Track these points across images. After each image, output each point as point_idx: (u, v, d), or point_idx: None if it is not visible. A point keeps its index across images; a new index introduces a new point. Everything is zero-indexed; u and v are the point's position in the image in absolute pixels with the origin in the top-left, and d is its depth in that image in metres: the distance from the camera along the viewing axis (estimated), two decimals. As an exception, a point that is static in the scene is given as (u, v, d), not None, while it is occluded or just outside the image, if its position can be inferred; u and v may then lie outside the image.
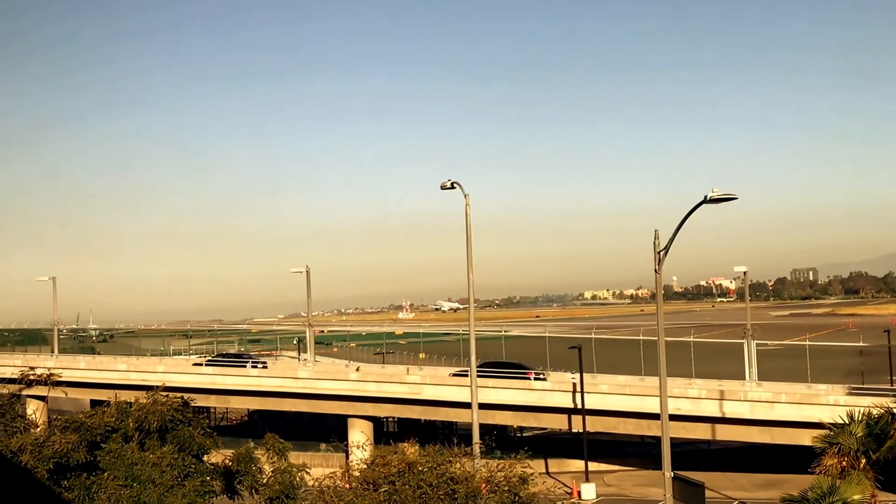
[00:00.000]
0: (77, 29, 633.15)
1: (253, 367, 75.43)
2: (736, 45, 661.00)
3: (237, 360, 79.10)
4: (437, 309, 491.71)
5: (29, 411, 44.72)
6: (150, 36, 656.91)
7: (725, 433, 56.66)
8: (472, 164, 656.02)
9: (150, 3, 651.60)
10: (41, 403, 62.60)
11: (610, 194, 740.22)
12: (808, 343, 68.28)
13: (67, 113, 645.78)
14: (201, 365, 77.61)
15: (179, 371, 75.23)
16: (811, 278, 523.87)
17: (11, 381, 32.07)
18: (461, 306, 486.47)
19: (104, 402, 31.29)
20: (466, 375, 60.20)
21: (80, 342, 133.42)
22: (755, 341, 67.70)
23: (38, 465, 22.64)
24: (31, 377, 31.41)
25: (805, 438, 52.99)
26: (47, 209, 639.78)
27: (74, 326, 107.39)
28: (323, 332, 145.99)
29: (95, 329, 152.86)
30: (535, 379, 62.97)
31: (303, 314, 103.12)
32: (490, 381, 60.43)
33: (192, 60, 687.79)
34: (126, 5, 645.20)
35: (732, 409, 54.80)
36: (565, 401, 59.58)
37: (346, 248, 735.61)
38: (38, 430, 27.73)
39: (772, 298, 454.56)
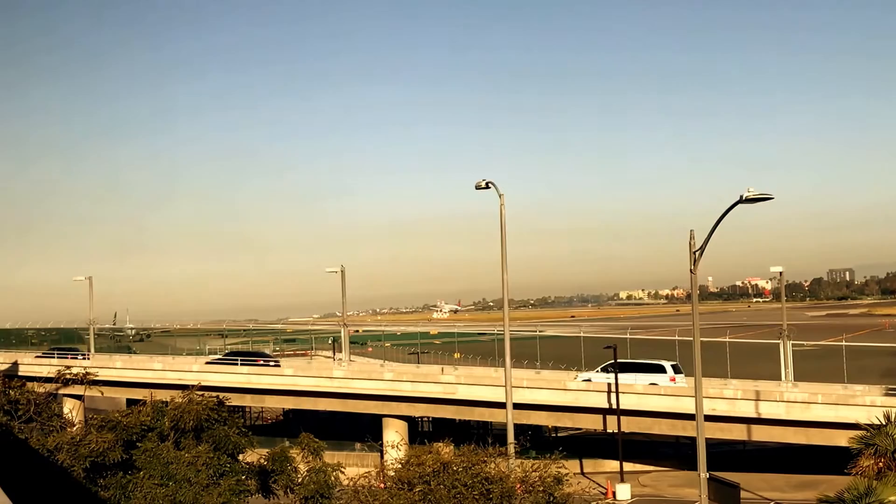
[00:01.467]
0: (113, 30, 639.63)
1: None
2: (769, 46, 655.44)
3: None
4: (435, 308, 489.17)
5: (65, 410, 45.20)
6: (185, 38, 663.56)
7: (761, 434, 56.13)
8: (507, 165, 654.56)
9: (191, 6, 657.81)
10: (77, 402, 63.09)
11: (646, 194, 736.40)
12: (844, 343, 67.37)
13: (104, 113, 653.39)
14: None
15: (215, 370, 75.59)
16: (847, 278, 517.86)
17: (48, 379, 32.45)
18: (460, 308, 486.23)
19: (140, 401, 31.54)
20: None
21: (117, 341, 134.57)
22: (791, 342, 66.96)
23: (75, 463, 22.82)
24: (68, 376, 31.76)
25: (841, 439, 52.39)
26: (84, 210, 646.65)
27: (109, 326, 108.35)
28: (358, 331, 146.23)
29: (132, 328, 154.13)
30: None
31: (337, 314, 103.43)
32: (525, 381, 60.36)
33: (230, 65, 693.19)
34: (179, 13, 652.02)
35: (768, 410, 54.27)
36: (600, 401, 59.26)
37: (382, 247, 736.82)
38: (75, 428, 27.98)
39: (808, 299, 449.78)
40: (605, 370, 60.39)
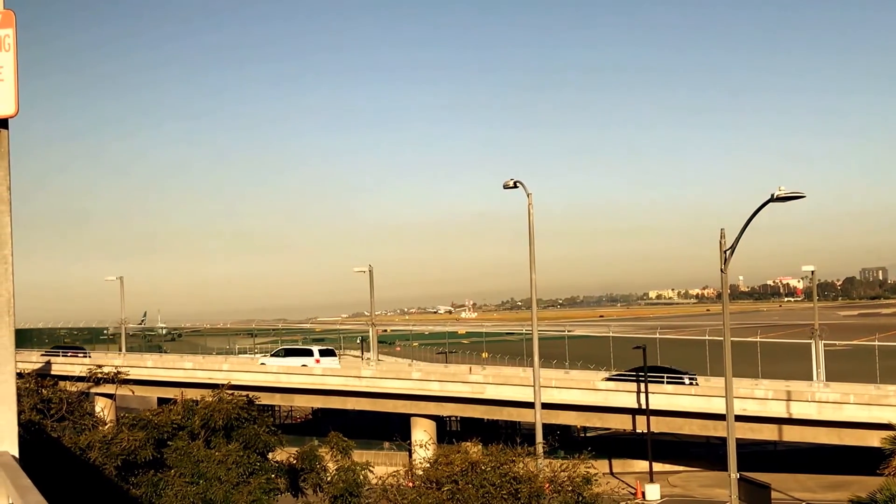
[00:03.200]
0: (146, 29, 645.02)
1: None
2: (801, 45, 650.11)
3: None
4: (434, 311, 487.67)
5: (97, 409, 45.49)
6: (220, 36, 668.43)
7: (792, 434, 55.70)
8: (536, 165, 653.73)
9: (230, 4, 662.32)
10: (109, 401, 63.59)
11: (676, 193, 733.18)
12: (877, 343, 66.70)
13: (135, 113, 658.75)
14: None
15: (244, 369, 75.97)
16: (881, 277, 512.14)
17: (80, 378, 32.68)
18: (453, 309, 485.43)
19: (171, 399, 31.74)
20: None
21: (148, 341, 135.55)
22: (823, 341, 66.35)
23: (107, 461, 22.95)
24: (99, 375, 31.97)
25: (874, 440, 51.89)
26: (116, 210, 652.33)
27: (136, 325, 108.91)
28: (386, 331, 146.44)
29: (163, 328, 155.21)
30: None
31: (366, 314, 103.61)
32: (553, 381, 60.24)
33: (258, 59, 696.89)
34: (206, 6, 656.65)
35: (799, 410, 53.84)
36: (629, 401, 59.01)
37: (410, 248, 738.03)
38: (107, 427, 28.12)
39: (840, 298, 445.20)
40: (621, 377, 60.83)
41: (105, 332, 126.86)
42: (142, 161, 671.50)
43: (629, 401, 59.05)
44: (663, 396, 57.65)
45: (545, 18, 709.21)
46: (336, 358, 78.23)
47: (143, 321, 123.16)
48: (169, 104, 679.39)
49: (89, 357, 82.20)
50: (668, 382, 59.61)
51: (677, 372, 62.40)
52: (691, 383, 60.43)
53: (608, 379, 62.60)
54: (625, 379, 60.96)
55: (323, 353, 76.75)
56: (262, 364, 75.55)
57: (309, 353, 75.82)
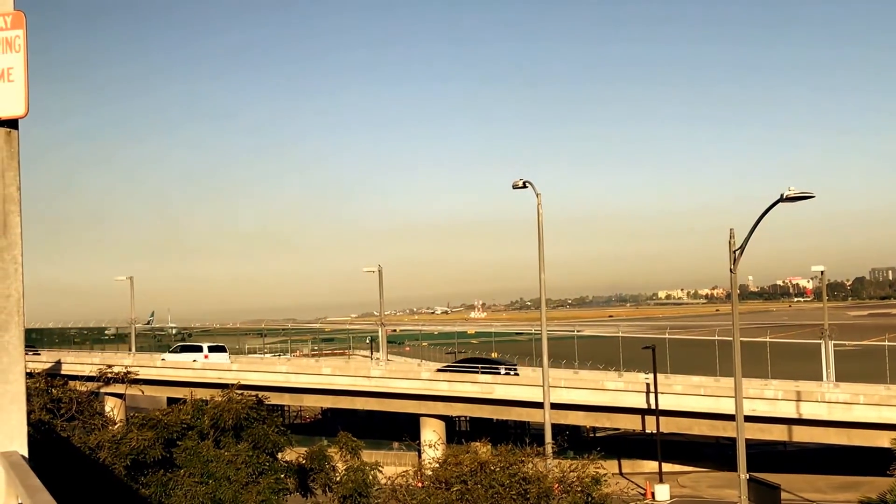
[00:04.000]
0: (157, 32, 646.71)
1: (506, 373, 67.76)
2: (811, 44, 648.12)
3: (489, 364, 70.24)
4: (431, 312, 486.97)
5: (107, 408, 45.50)
6: (228, 39, 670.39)
7: (802, 434, 55.58)
8: (545, 165, 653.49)
9: (236, 7, 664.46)
10: (119, 401, 63.68)
11: (684, 193, 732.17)
12: (887, 343, 66.48)
13: (146, 115, 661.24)
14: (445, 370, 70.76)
15: (254, 369, 76.13)
16: (890, 277, 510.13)
17: (90, 378, 32.76)
18: (450, 310, 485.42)
19: (180, 399, 31.77)
20: (451, 371, 68.00)
21: (158, 340, 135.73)
22: (833, 342, 66.16)
23: (116, 461, 22.99)
24: (109, 375, 32.06)
25: (884, 440, 51.76)
26: (127, 211, 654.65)
27: (143, 325, 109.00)
28: (395, 331, 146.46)
29: (173, 327, 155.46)
30: (507, 374, 66.55)
31: (375, 313, 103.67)
32: (562, 381, 60.18)
33: (268, 64, 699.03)
34: (213, 10, 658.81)
35: (809, 411, 53.73)
36: (639, 401, 58.95)
37: (419, 248, 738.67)
38: (116, 427, 28.20)
39: (850, 298, 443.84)
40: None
41: (105, 332, 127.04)
42: (152, 162, 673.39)
43: (638, 401, 59.00)
44: (672, 396, 57.59)
45: (554, 18, 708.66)
46: (226, 353, 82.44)
47: (150, 321, 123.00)
48: (180, 107, 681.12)
49: (39, 355, 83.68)
50: (482, 372, 65.87)
51: (497, 363, 70.30)
52: (507, 373, 66.41)
53: (439, 370, 68.74)
54: (453, 370, 68.46)
55: (212, 350, 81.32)
56: (163, 360, 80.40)
57: (199, 350, 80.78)
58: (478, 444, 30.07)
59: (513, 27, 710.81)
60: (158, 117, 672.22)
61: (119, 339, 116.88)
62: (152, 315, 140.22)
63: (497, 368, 67.32)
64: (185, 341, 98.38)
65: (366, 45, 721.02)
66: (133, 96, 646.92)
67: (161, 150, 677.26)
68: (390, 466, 34.87)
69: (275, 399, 56.86)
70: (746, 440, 37.29)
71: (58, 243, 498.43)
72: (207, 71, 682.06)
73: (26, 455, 8.20)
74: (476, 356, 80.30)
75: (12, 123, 8.62)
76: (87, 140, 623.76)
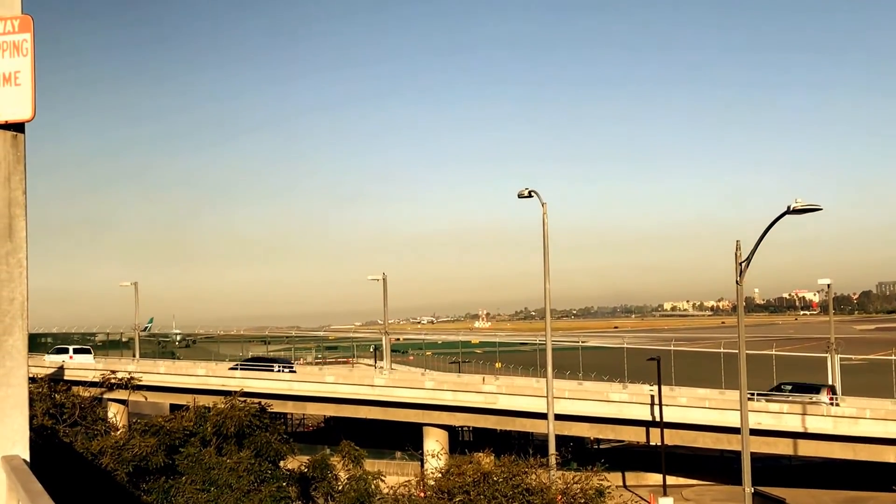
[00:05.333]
0: (161, 35, 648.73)
1: (280, 371, 77.09)
2: (819, 53, 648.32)
3: (266, 363, 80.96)
4: (416, 322, 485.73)
5: (110, 414, 45.50)
6: (234, 43, 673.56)
7: (807, 448, 55.31)
8: (551, 175, 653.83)
9: (240, 12, 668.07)
10: (122, 407, 63.71)
11: (690, 204, 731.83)
12: (894, 358, 66.27)
13: (153, 118, 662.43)
14: (233, 369, 79.45)
15: (257, 377, 76.02)
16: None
17: (93, 384, 32.76)
18: (435, 319, 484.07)
19: (183, 406, 31.78)
20: (242, 368, 76.49)
21: (162, 347, 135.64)
22: (839, 355, 65.95)
23: (119, 467, 22.98)
24: (112, 381, 32.06)
25: (889, 455, 51.65)
26: (133, 216, 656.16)
27: (142, 333, 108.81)
28: (399, 340, 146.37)
29: (178, 334, 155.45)
30: (280, 371, 75.42)
31: (379, 322, 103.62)
32: (566, 392, 60.00)
33: (274, 71, 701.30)
34: (225, 22, 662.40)
35: (815, 424, 53.51)
36: (643, 413, 58.77)
37: (424, 257, 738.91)
38: (119, 433, 28.21)
39: (856, 312, 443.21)
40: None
41: (87, 338, 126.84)
42: (159, 168, 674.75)
43: (643, 413, 58.82)
44: (677, 409, 57.39)
45: (558, 28, 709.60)
46: (90, 355, 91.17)
47: (147, 328, 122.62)
48: (186, 111, 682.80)
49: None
50: (258, 369, 74.73)
51: (274, 361, 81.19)
52: (281, 370, 75.08)
53: (231, 368, 75.54)
54: (243, 367, 77.54)
55: (77, 351, 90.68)
56: (45, 359, 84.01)
57: (66, 351, 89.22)
58: (481, 454, 29.98)
59: (519, 37, 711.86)
60: (165, 122, 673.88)
61: (123, 345, 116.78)
62: (150, 321, 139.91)
63: (271, 366, 77.06)
64: (302, 353, 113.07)
65: (372, 55, 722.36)
66: (139, 101, 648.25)
67: (168, 155, 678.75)
68: (393, 476, 34.78)
69: (277, 407, 56.78)
70: (751, 454, 37.12)
71: (63, 248, 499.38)
72: (214, 76, 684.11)
73: (28, 459, 8.15)
74: (259, 355, 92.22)
75: (19, 127, 8.60)
76: (92, 145, 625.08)
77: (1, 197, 8.42)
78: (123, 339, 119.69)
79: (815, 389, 58.70)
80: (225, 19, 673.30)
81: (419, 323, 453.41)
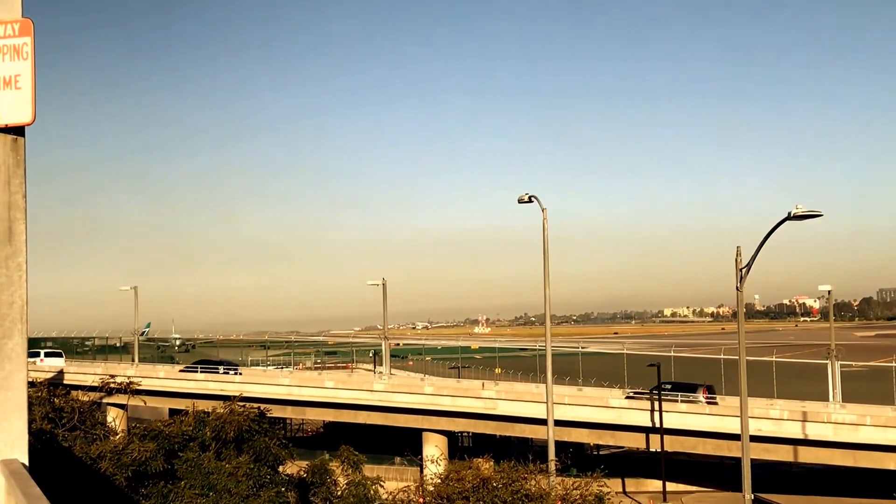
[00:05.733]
0: (164, 39, 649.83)
1: (224, 373, 79.75)
2: (817, 60, 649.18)
3: (212, 365, 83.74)
4: (412, 327, 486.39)
5: (109, 419, 45.48)
6: (236, 48, 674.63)
7: (808, 455, 55.28)
8: (551, 180, 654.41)
9: (245, 19, 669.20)
10: (121, 411, 63.68)
11: (691, 210, 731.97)
12: (894, 364, 66.20)
13: (154, 124, 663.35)
14: (182, 371, 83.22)
15: (256, 381, 76.06)
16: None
17: (92, 388, 32.70)
18: (431, 325, 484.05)
19: (182, 410, 31.71)
20: (188, 371, 79.48)
21: (161, 351, 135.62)
22: (839, 362, 65.90)
23: (118, 472, 22.91)
24: (112, 385, 32.00)
25: (890, 462, 51.61)
26: (132, 221, 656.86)
27: (140, 337, 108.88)
28: (398, 345, 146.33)
29: (177, 338, 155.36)
30: (225, 373, 78.35)
31: (379, 327, 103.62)
32: (566, 398, 59.98)
33: (274, 75, 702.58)
34: (221, 19, 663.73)
35: (815, 431, 53.45)
36: (643, 419, 58.72)
37: (424, 262, 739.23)
38: (118, 437, 28.13)
39: (857, 318, 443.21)
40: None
41: (85, 343, 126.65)
42: (159, 173, 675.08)
43: (643, 419, 58.77)
44: (677, 415, 57.37)
45: (561, 35, 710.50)
46: (61, 358, 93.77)
47: (144, 332, 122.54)
48: (187, 117, 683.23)
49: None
50: (202, 371, 78.13)
51: (219, 363, 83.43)
52: (226, 372, 77.90)
53: (181, 371, 78.80)
54: (189, 370, 79.95)
55: (48, 355, 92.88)
56: None
57: (37, 355, 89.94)
58: (480, 460, 29.99)
59: (521, 44, 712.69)
60: (165, 126, 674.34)
61: (122, 350, 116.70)
62: (148, 326, 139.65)
63: (216, 368, 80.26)
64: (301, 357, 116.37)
65: (373, 63, 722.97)
66: (139, 105, 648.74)
67: (167, 159, 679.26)
68: (392, 481, 34.79)
69: (277, 412, 56.88)
70: (752, 460, 37.08)
71: (63, 252, 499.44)
72: (213, 81, 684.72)
73: (27, 463, 8.12)
74: (206, 359, 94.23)
75: (19, 131, 8.59)
76: (93, 150, 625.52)
77: (1, 201, 8.42)
78: (120, 344, 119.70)
79: (692, 389, 61.72)
80: (225, 23, 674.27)
81: (414, 328, 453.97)
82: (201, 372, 79.37)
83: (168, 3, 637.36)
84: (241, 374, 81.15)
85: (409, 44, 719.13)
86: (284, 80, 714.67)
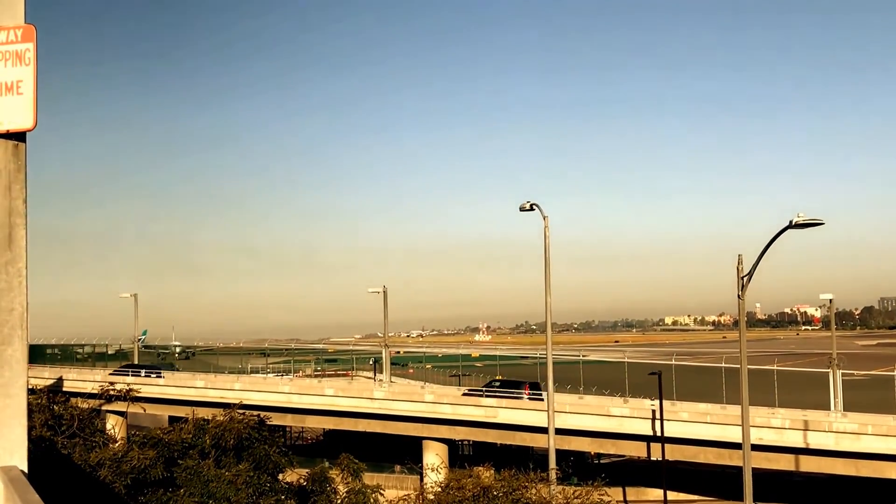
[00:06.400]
0: (168, 49, 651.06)
1: (146, 376, 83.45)
2: (820, 69, 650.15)
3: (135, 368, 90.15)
4: (409, 335, 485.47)
5: (108, 426, 45.27)
6: (236, 57, 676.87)
7: (809, 464, 55.14)
8: (552, 189, 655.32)
9: (250, 27, 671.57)
10: (120, 419, 63.60)
11: (692, 218, 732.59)
12: (895, 373, 66.13)
13: (156, 131, 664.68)
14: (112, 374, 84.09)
15: (256, 389, 75.96)
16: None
17: (92, 395, 32.58)
18: (425, 333, 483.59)
19: (182, 418, 31.59)
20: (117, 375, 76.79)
21: (162, 359, 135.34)
22: (841, 371, 65.80)
23: (117, 480, 22.83)
24: (111, 392, 31.87)
25: (892, 472, 51.47)
26: (133, 227, 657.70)
27: (137, 344, 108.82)
28: (399, 352, 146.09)
29: (178, 345, 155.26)
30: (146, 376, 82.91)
31: (379, 335, 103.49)
32: (567, 406, 59.84)
33: (276, 84, 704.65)
34: (225, 24, 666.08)
35: (817, 440, 53.32)
36: (644, 428, 58.59)
37: (425, 270, 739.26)
38: (117, 445, 28.00)
39: (858, 327, 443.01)
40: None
41: (77, 352, 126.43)
42: (159, 179, 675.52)
43: (644, 428, 58.64)
44: (678, 424, 57.23)
45: (562, 44, 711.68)
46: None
47: (140, 339, 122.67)
48: (185, 122, 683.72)
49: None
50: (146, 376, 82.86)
51: (143, 367, 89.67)
52: (148, 375, 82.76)
53: (111, 374, 77.08)
54: (119, 373, 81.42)
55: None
56: None
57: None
58: (480, 468, 29.89)
59: (524, 54, 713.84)
60: (166, 132, 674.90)
61: (122, 357, 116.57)
62: (144, 333, 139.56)
63: (139, 372, 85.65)
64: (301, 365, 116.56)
65: (376, 67, 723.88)
66: (140, 111, 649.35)
67: (168, 166, 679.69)
68: (392, 490, 34.69)
69: (277, 419, 56.68)
70: (753, 469, 36.96)
71: (64, 259, 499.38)
72: (216, 87, 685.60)
73: (26, 470, 8.10)
74: (132, 363, 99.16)
75: (20, 136, 8.59)
76: (95, 156, 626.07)
77: (1, 206, 8.40)
78: (111, 352, 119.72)
79: (518, 386, 68.00)
80: (232, 28, 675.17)
81: (409, 336, 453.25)
82: (131, 375, 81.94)
83: (172, 8, 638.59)
84: (163, 377, 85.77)
85: (419, 52, 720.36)
86: (288, 86, 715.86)
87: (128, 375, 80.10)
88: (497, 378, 78.31)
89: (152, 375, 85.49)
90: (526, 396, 64.95)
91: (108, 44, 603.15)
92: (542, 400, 61.14)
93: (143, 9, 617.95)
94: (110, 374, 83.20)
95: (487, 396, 65.80)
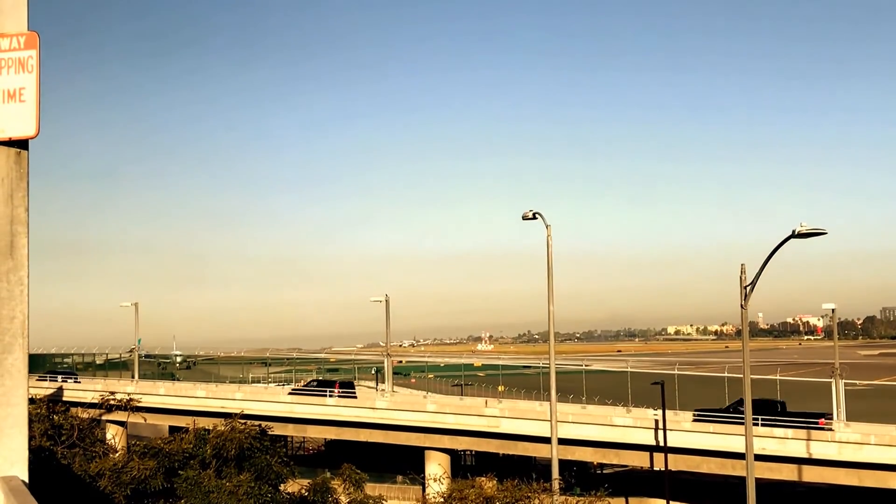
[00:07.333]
0: (168, 58, 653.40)
1: (64, 381, 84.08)
2: (823, 81, 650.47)
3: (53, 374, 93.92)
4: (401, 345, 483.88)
5: (108, 436, 45.26)
6: (238, 63, 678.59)
7: (812, 474, 54.94)
8: (555, 198, 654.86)
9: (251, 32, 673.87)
10: (121, 429, 63.46)
11: (695, 228, 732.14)
12: (899, 383, 66.07)
13: (159, 138, 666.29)
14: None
15: (257, 399, 75.80)
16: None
17: (92, 405, 32.52)
18: (416, 342, 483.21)
19: (183, 428, 31.51)
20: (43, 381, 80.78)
21: (162, 368, 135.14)
22: (843, 381, 65.63)
23: (117, 490, 22.74)
24: (112, 402, 31.81)
25: (895, 482, 51.27)
26: (134, 236, 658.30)
27: (127, 353, 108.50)
28: (401, 362, 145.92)
29: (178, 355, 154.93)
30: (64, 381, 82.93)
31: (381, 344, 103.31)
32: (570, 416, 59.72)
33: (276, 91, 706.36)
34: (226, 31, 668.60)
35: (819, 450, 53.14)
36: (647, 438, 58.40)
37: (427, 279, 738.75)
38: (118, 455, 27.94)
39: (861, 337, 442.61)
40: None
41: (63, 362, 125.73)
42: (160, 189, 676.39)
43: (647, 437, 58.45)
44: (681, 434, 57.05)
45: (566, 53, 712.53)
46: (73, 378, 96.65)
47: (134, 349, 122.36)
48: (186, 131, 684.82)
49: (79, 382, 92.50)
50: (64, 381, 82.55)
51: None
52: (65, 381, 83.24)
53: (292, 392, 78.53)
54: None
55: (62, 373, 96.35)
56: None
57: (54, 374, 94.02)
58: (483, 478, 29.79)
59: (525, 62, 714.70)
60: (169, 140, 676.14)
61: (123, 366, 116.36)
62: (139, 342, 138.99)
63: (56, 376, 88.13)
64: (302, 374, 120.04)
65: (377, 76, 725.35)
66: (143, 119, 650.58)
67: (170, 175, 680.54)
68: (394, 500, 34.62)
69: (278, 429, 56.44)
70: (755, 479, 36.82)
71: (66, 268, 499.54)
72: (218, 95, 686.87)
73: (27, 480, 8.03)
74: (54, 369, 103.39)
75: (23, 144, 8.54)
76: (97, 162, 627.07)
77: (3, 214, 8.35)
78: (109, 361, 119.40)
79: (332, 385, 76.43)
80: (235, 35, 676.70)
81: (401, 346, 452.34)
82: (49, 381, 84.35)
83: (175, 17, 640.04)
84: (80, 381, 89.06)
85: (420, 59, 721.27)
86: (288, 96, 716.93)
87: (46, 381, 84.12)
88: (314, 378, 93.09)
89: (69, 381, 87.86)
90: (336, 394, 72.88)
91: (111, 51, 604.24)
92: (355, 397, 73.86)
93: (147, 17, 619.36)
94: (37, 378, 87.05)
95: (304, 394, 75.79)
